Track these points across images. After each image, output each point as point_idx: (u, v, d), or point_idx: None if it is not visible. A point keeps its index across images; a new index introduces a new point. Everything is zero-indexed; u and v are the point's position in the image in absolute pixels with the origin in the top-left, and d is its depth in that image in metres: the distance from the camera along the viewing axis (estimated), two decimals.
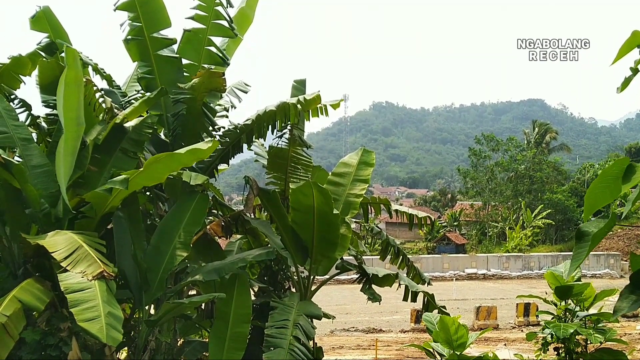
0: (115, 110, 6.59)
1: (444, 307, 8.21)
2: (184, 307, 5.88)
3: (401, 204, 28.35)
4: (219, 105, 7.69)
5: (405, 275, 8.33)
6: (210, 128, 7.21)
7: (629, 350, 8.83)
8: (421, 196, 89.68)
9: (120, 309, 4.66)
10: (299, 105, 6.56)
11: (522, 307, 19.86)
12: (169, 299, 6.19)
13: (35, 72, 6.81)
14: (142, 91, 7.33)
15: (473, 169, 52.51)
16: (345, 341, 17.18)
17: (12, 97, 7.00)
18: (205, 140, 7.03)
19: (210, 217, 8.01)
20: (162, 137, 7.55)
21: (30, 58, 6.88)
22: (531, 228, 43.94)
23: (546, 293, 6.53)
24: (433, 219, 8.85)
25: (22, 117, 6.84)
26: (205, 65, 7.26)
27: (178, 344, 6.98)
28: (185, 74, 7.20)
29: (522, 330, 18.62)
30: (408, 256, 8.70)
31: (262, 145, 8.52)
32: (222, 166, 7.67)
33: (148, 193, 7.22)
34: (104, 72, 7.30)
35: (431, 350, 5.39)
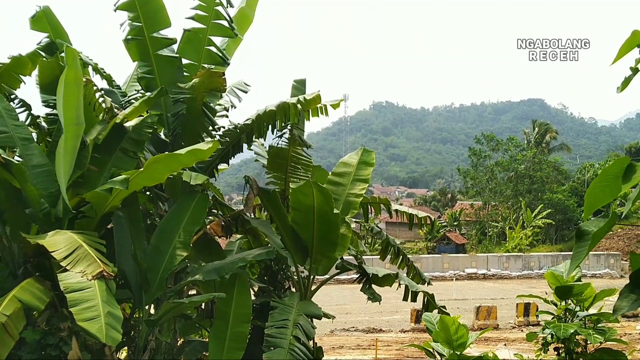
0: (115, 110, 6.59)
1: (444, 307, 8.21)
2: (184, 307, 5.88)
3: (401, 204, 28.35)
4: (219, 105, 7.69)
5: (405, 275, 8.33)
6: (210, 128, 7.21)
7: (629, 350, 8.83)
8: (421, 196, 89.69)
9: (120, 308, 4.66)
10: (299, 105, 6.56)
11: (522, 307, 19.86)
12: (169, 298, 6.19)
13: (36, 72, 6.81)
14: (142, 91, 7.33)
15: (473, 168, 52.51)
16: (345, 341, 17.18)
17: (12, 96, 7.00)
18: (206, 140, 7.05)
19: (210, 217, 8.01)
20: (162, 136, 7.55)
21: (30, 58, 6.88)
22: (531, 228, 43.94)
23: (546, 293, 6.53)
24: (433, 219, 8.85)
25: (22, 116, 6.85)
26: (205, 65, 7.26)
27: (178, 344, 6.98)
28: (185, 73, 7.20)
29: (522, 330, 18.62)
30: (408, 256, 8.70)
31: (262, 145, 8.52)
32: (222, 166, 7.67)
33: (148, 193, 7.22)
34: (104, 72, 7.30)
35: (431, 350, 5.39)
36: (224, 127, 7.51)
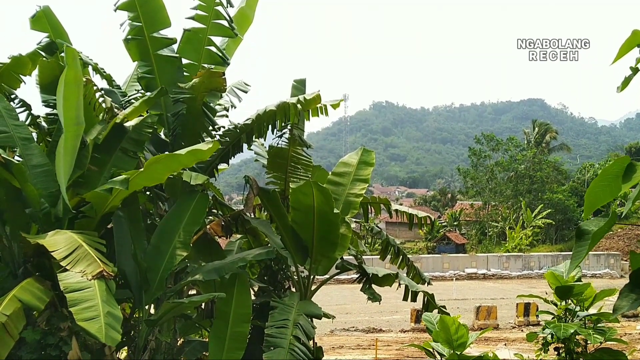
0: (116, 110, 6.59)
1: (444, 306, 8.21)
2: (184, 307, 5.88)
3: (401, 204, 28.35)
4: (219, 104, 7.69)
5: (405, 275, 8.33)
6: (210, 128, 7.21)
7: (629, 350, 8.83)
8: (421, 196, 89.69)
9: (120, 308, 4.66)
10: (299, 105, 6.56)
11: (522, 307, 19.86)
12: (169, 298, 6.19)
13: (36, 72, 6.81)
14: (142, 91, 7.33)
15: (473, 168, 52.50)
16: (345, 341, 17.18)
17: (13, 96, 7.00)
18: (206, 140, 7.06)
19: (211, 217, 8.01)
20: (162, 136, 7.55)
21: (31, 58, 6.88)
22: (531, 228, 43.94)
23: (546, 293, 6.52)
24: (433, 219, 8.85)
25: (22, 116, 6.85)
26: (205, 65, 7.26)
27: (178, 344, 6.98)
28: (185, 73, 7.20)
29: (522, 330, 18.63)
30: (408, 256, 8.70)
31: (262, 145, 8.51)
32: (222, 166, 7.67)
33: (148, 193, 7.22)
34: (104, 72, 7.30)
35: (431, 350, 5.39)
36: (224, 127, 7.51)
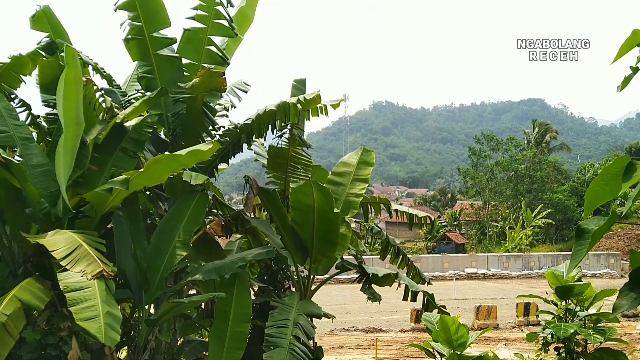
0: (116, 110, 6.59)
1: (443, 306, 8.21)
2: (184, 307, 5.88)
3: (401, 204, 28.38)
4: (219, 104, 7.69)
5: (405, 274, 8.33)
6: (210, 127, 7.21)
7: (629, 350, 8.83)
8: (421, 196, 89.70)
9: (119, 308, 4.66)
10: (299, 105, 6.56)
11: (522, 307, 19.87)
12: (169, 298, 6.19)
13: (36, 72, 6.81)
14: (142, 90, 7.33)
15: (473, 168, 52.51)
16: (345, 341, 17.18)
17: (13, 96, 7.00)
18: (206, 140, 7.06)
19: (210, 217, 8.01)
20: (162, 136, 7.55)
21: (31, 57, 6.88)
22: (531, 228, 43.94)
23: (547, 293, 6.53)
24: (433, 219, 8.85)
25: (23, 116, 6.84)
26: (206, 65, 7.26)
27: (178, 344, 6.98)
28: (185, 73, 7.20)
29: (522, 330, 18.63)
30: (408, 256, 8.70)
31: (262, 144, 8.51)
32: (222, 165, 7.67)
33: (148, 192, 7.22)
34: (104, 72, 7.30)
35: (431, 350, 5.39)
36: (224, 127, 7.50)
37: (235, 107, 8.05)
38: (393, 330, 18.99)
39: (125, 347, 6.64)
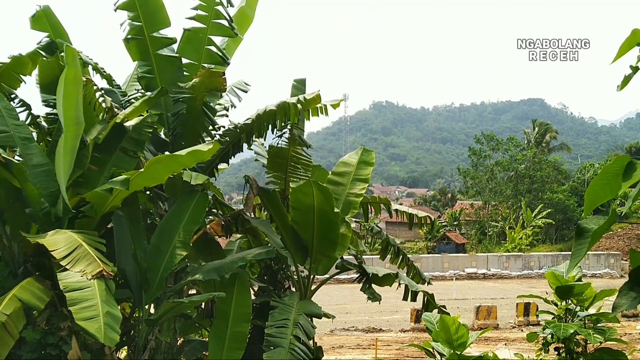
0: (116, 110, 6.59)
1: (443, 306, 8.21)
2: (184, 307, 5.88)
3: (401, 204, 28.37)
4: (219, 104, 7.69)
5: (405, 274, 8.33)
6: (210, 127, 7.21)
7: (629, 350, 8.84)
8: (421, 195, 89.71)
9: (119, 308, 4.66)
10: (299, 105, 6.56)
11: (522, 307, 19.87)
12: (169, 298, 6.19)
13: (36, 72, 6.81)
14: (142, 90, 7.33)
15: (473, 168, 52.51)
16: (345, 340, 17.18)
17: (13, 96, 7.00)
18: (206, 140, 7.06)
19: (211, 217, 8.01)
20: (162, 136, 7.55)
21: (31, 57, 6.88)
22: (531, 227, 43.94)
23: (547, 293, 6.53)
24: (433, 219, 8.84)
25: (23, 116, 6.85)
26: (206, 65, 7.26)
27: (178, 343, 6.98)
28: (185, 73, 7.20)
29: (522, 330, 18.63)
30: (408, 256, 8.69)
31: (262, 144, 8.51)
32: (222, 165, 7.67)
33: (148, 192, 7.22)
34: (104, 72, 7.30)
35: (431, 349, 5.39)
36: (224, 127, 7.50)
37: (235, 107, 8.05)
38: (393, 330, 18.99)
39: (125, 347, 6.64)
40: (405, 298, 8.09)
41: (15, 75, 6.92)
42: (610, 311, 3.34)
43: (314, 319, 6.50)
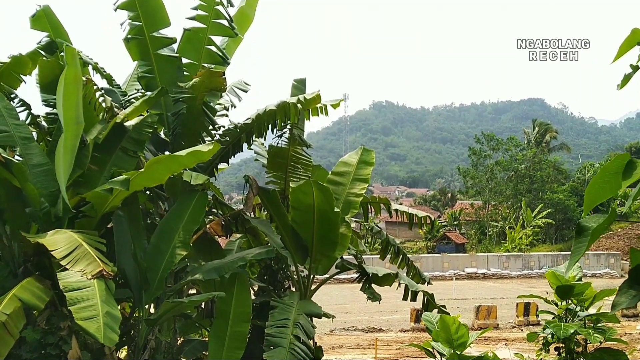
0: (116, 110, 6.59)
1: (443, 306, 8.21)
2: (184, 306, 5.88)
3: (401, 203, 28.36)
4: (219, 104, 7.68)
5: (405, 274, 8.33)
6: (210, 127, 7.21)
7: (629, 350, 8.83)
8: (421, 195, 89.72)
9: (119, 308, 4.66)
10: (299, 105, 6.56)
11: (522, 307, 19.87)
12: (169, 298, 6.19)
13: (36, 71, 6.81)
14: (142, 90, 7.33)
15: (473, 168, 52.52)
16: (345, 340, 17.18)
17: (13, 96, 7.00)
18: (206, 140, 7.07)
19: (210, 216, 8.01)
20: (162, 136, 7.55)
21: (31, 57, 6.88)
22: (531, 227, 43.95)
23: (547, 293, 6.53)
24: (433, 219, 8.84)
25: (23, 116, 6.84)
26: (206, 65, 7.26)
27: (178, 343, 6.98)
28: (185, 73, 7.20)
29: (522, 330, 18.62)
30: (408, 255, 8.70)
31: (262, 144, 8.51)
32: (222, 165, 7.67)
33: (148, 192, 7.22)
34: (104, 71, 7.30)
35: (431, 349, 5.39)
36: (224, 127, 7.51)
37: (235, 107, 8.05)
38: (393, 330, 18.98)
39: (125, 347, 6.65)
40: (405, 298, 8.09)
41: (15, 75, 6.92)
42: (610, 311, 3.35)
43: (313, 318, 6.50)
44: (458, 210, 56.32)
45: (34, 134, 6.65)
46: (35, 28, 7.18)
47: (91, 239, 4.97)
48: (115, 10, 6.75)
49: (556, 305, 6.06)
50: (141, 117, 6.67)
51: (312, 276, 7.38)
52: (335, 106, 7.23)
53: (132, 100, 7.01)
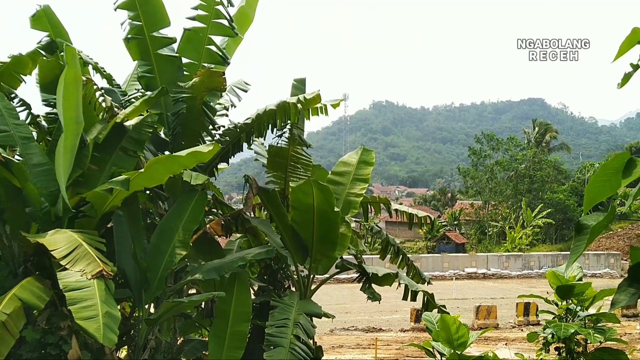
0: (116, 109, 6.58)
1: (443, 306, 8.21)
2: (184, 306, 5.88)
3: (401, 203, 28.36)
4: (219, 104, 7.69)
5: (405, 274, 8.32)
6: (210, 127, 7.21)
7: (629, 350, 8.83)
8: (421, 195, 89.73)
9: (119, 307, 4.66)
10: (299, 105, 6.56)
11: (522, 307, 19.87)
12: (169, 297, 6.19)
13: (36, 71, 6.81)
14: (142, 90, 7.32)
15: (473, 168, 52.52)
16: (345, 340, 17.18)
17: (13, 95, 7.00)
18: (206, 140, 7.07)
19: (210, 216, 8.01)
20: (162, 136, 7.55)
21: (31, 57, 6.88)
22: (531, 227, 43.95)
23: (547, 293, 6.53)
24: (433, 218, 8.84)
25: (23, 115, 6.84)
26: (206, 65, 7.25)
27: (178, 343, 6.98)
28: (185, 73, 7.20)
29: (522, 330, 18.62)
30: (408, 255, 8.69)
31: (262, 144, 8.51)
32: (222, 165, 7.67)
33: (148, 192, 7.22)
34: (104, 71, 7.30)
35: (431, 349, 5.39)
36: (224, 126, 7.51)
37: (235, 107, 8.05)
38: (393, 330, 18.99)
39: (125, 346, 6.64)
40: (405, 298, 8.09)
41: (15, 75, 6.92)
42: (610, 309, 3.35)
43: (313, 318, 6.50)
44: (458, 210, 56.33)
45: (34, 133, 6.65)
46: (35, 28, 7.18)
47: (91, 239, 4.97)
48: (115, 10, 6.75)
49: (556, 305, 6.06)
50: (141, 117, 6.67)
51: (312, 276, 7.38)
52: (335, 106, 7.23)
53: (132, 100, 7.01)
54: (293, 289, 7.77)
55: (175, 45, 7.20)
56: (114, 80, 7.51)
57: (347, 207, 7.58)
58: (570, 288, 5.73)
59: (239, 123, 7.23)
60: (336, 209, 6.54)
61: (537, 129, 60.61)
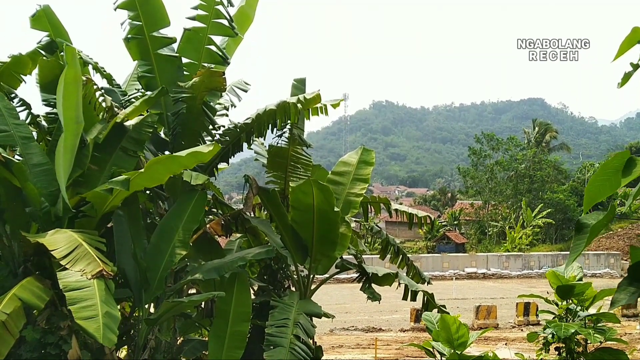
0: (116, 109, 6.58)
1: (443, 306, 8.21)
2: (184, 306, 5.88)
3: (401, 203, 28.36)
4: (219, 104, 7.69)
5: (405, 274, 8.32)
6: (210, 127, 7.21)
7: (629, 350, 8.83)
8: (421, 195, 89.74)
9: (119, 308, 4.66)
10: (299, 104, 6.56)
11: (522, 307, 19.88)
12: (169, 297, 6.19)
13: (36, 71, 6.81)
14: (143, 90, 7.32)
15: (473, 168, 52.53)
16: (344, 340, 17.18)
17: (13, 95, 7.00)
18: (206, 139, 7.07)
19: (210, 216, 8.01)
20: (162, 136, 7.55)
21: (31, 57, 6.88)
22: (531, 227, 43.96)
23: (547, 292, 6.53)
24: (433, 218, 8.84)
25: (23, 115, 6.84)
26: (206, 64, 7.25)
27: (178, 343, 6.98)
28: (185, 72, 7.20)
29: (522, 330, 18.63)
30: (408, 255, 8.69)
31: (262, 144, 8.51)
32: (222, 165, 7.67)
33: (148, 192, 7.22)
34: (104, 71, 7.30)
35: (431, 349, 5.39)
36: (224, 126, 7.50)
37: (235, 107, 8.05)
38: (393, 330, 18.99)
39: (125, 346, 6.65)
40: (405, 298, 8.09)
41: (15, 75, 6.92)
42: (610, 308, 3.35)
43: (313, 318, 6.50)
44: (458, 210, 56.33)
45: (34, 133, 6.65)
46: (35, 28, 7.18)
47: (91, 239, 4.97)
48: (115, 10, 6.75)
49: (556, 305, 6.06)
50: (141, 117, 6.67)
51: (312, 276, 7.38)
52: (335, 106, 7.23)
53: (132, 100, 7.01)
54: (293, 288, 7.77)
55: (175, 45, 7.20)
56: (114, 80, 7.51)
57: (347, 207, 7.58)
58: (570, 288, 5.73)
59: (239, 123, 7.23)
60: (336, 209, 6.54)
61: (537, 129, 60.62)
